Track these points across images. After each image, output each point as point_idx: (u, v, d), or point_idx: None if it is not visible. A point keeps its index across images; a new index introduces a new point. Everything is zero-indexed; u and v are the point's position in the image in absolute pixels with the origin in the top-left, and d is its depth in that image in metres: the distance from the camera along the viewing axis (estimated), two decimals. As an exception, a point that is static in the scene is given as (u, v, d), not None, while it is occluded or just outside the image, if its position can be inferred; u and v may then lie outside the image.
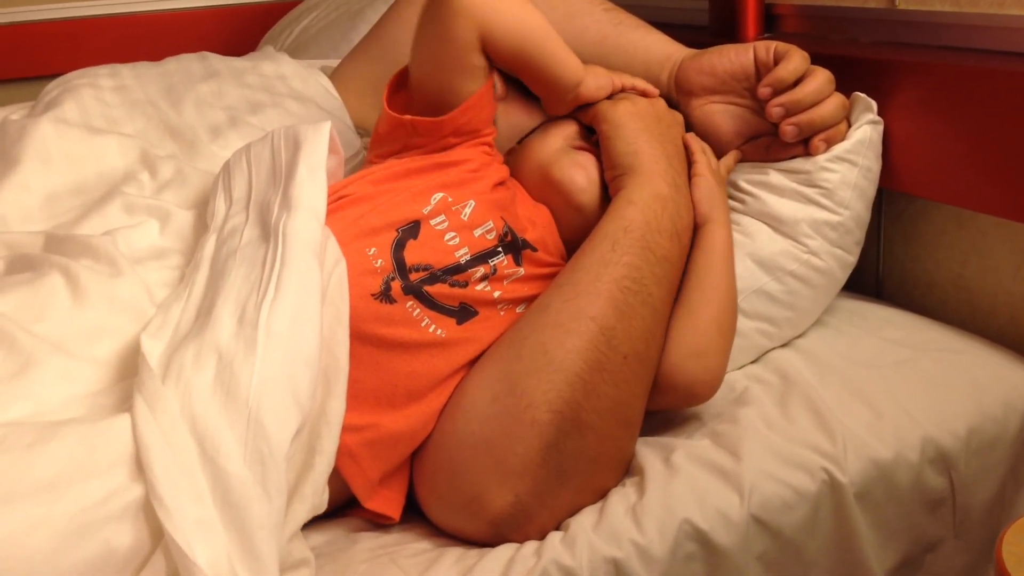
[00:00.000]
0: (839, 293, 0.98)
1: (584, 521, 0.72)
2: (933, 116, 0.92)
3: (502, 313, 0.80)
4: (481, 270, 0.79)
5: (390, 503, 0.75)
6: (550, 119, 0.91)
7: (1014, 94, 0.85)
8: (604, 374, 0.73)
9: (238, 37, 1.87)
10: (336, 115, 1.04)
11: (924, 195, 0.98)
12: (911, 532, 0.81)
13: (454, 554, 0.71)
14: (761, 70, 0.90)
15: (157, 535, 0.60)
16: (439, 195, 0.80)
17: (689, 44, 0.97)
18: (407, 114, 0.84)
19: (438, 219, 0.79)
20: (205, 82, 1.05)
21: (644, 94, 0.91)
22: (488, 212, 0.81)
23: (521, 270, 0.82)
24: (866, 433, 0.80)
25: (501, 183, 0.85)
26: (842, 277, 0.95)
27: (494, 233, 0.81)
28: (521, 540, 0.72)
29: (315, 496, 0.68)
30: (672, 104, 0.95)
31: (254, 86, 1.06)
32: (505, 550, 0.71)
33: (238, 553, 0.59)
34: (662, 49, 0.96)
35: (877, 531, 0.79)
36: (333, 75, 1.13)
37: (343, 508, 0.77)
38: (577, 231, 0.84)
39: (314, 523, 0.76)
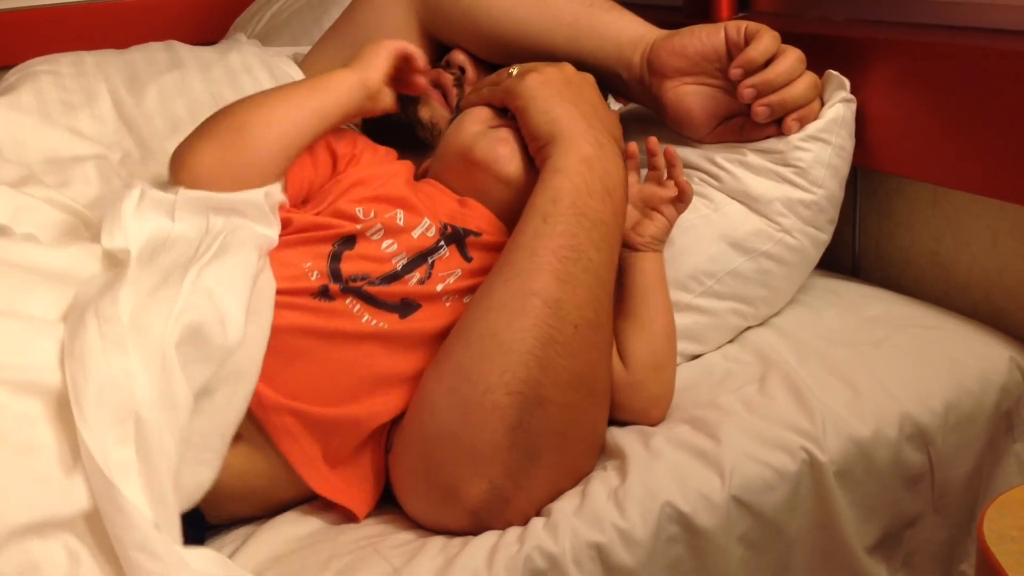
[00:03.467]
0: (816, 271, 0.98)
1: (566, 506, 0.72)
2: (906, 93, 0.92)
3: (448, 304, 0.80)
4: (417, 275, 0.79)
5: (353, 500, 0.75)
6: (463, 111, 0.90)
7: (986, 70, 0.85)
8: (557, 347, 0.72)
9: (208, 23, 1.85)
10: None
11: (898, 172, 0.99)
12: (891, 508, 0.82)
13: (437, 543, 0.71)
14: (732, 50, 0.90)
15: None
16: (361, 208, 0.80)
17: (663, 24, 0.97)
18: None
19: (373, 229, 0.80)
20: (169, 72, 1.04)
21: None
22: (421, 213, 0.82)
23: (467, 260, 0.82)
24: (845, 411, 0.80)
25: (412, 177, 0.86)
26: (815, 255, 0.95)
27: (433, 229, 0.81)
28: (502, 526, 0.72)
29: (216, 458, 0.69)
30: (646, 87, 0.94)
31: (219, 80, 1.04)
32: (488, 537, 0.71)
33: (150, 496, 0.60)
34: (634, 30, 0.96)
35: (857, 508, 0.79)
36: (304, 61, 1.12)
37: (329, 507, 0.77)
38: (511, 209, 0.83)
39: (296, 515, 0.76)
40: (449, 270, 0.81)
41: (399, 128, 0.99)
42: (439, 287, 0.79)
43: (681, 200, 0.86)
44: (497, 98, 0.88)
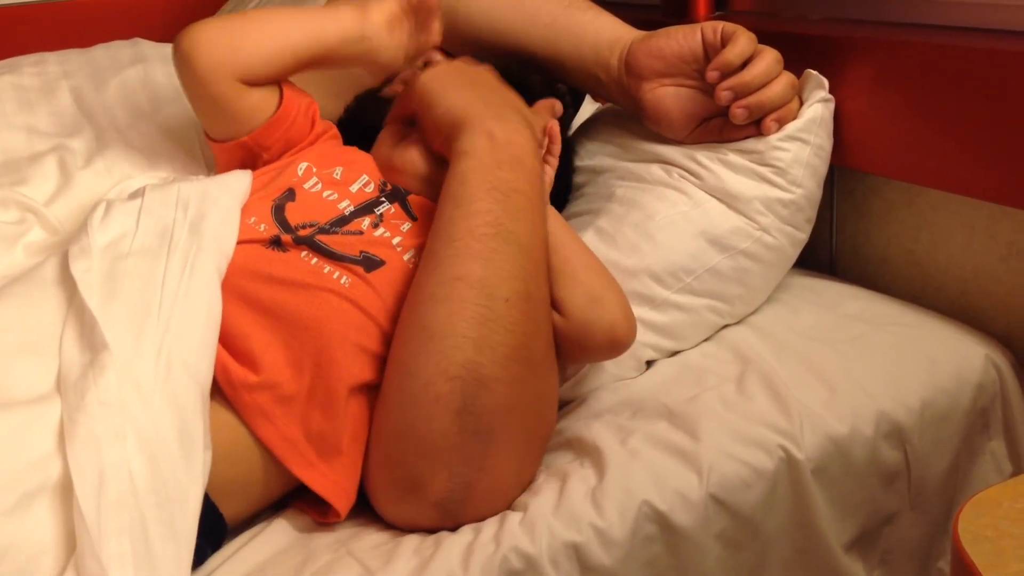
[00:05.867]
0: (794, 269, 0.98)
1: (543, 505, 0.72)
2: (882, 92, 0.92)
3: (409, 263, 0.79)
4: (367, 220, 0.80)
5: (339, 491, 0.74)
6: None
7: (962, 69, 0.85)
8: (490, 324, 0.71)
9: (185, 20, 1.83)
10: None
11: (875, 171, 0.99)
12: (868, 506, 0.82)
13: (411, 543, 0.70)
14: (709, 51, 0.90)
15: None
16: (304, 164, 0.83)
17: (641, 23, 0.97)
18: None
19: (310, 182, 0.81)
20: (132, 67, 1.04)
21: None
22: (359, 170, 0.83)
23: (413, 218, 0.82)
24: (822, 409, 0.80)
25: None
26: (793, 254, 0.95)
27: (372, 185, 0.83)
28: (472, 516, 0.72)
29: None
30: (624, 88, 0.94)
31: None
32: (463, 536, 0.70)
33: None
34: (612, 32, 0.96)
35: (834, 506, 0.79)
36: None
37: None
38: None
39: (265, 524, 0.75)
40: (399, 221, 0.81)
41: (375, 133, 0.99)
42: (396, 239, 0.79)
43: (552, 145, 0.86)
44: (400, 109, 0.88)
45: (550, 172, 0.87)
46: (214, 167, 0.95)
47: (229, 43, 0.82)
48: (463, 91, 0.82)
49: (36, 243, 0.84)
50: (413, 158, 0.85)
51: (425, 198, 0.85)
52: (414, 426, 0.71)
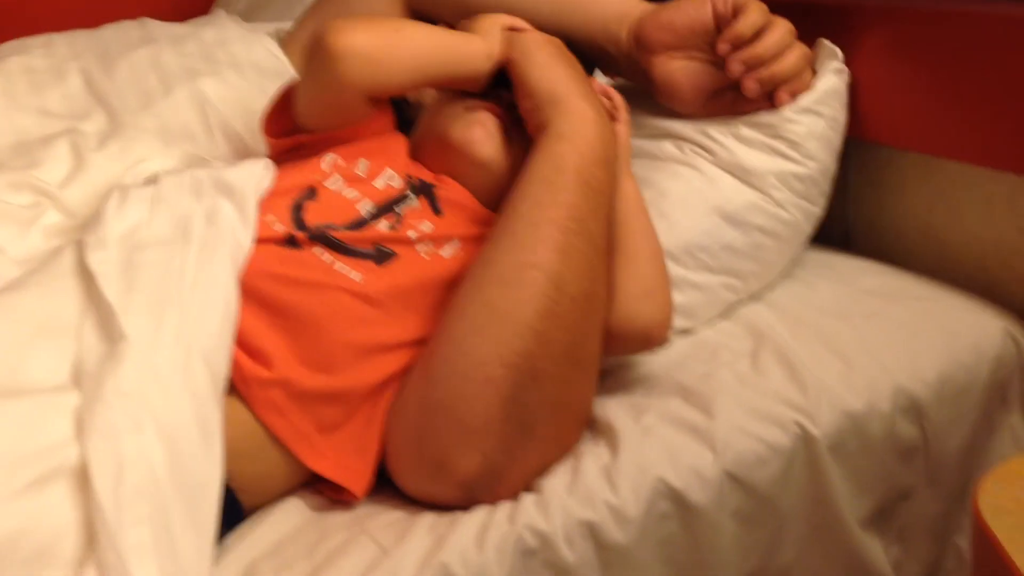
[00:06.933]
0: (808, 244, 0.97)
1: (557, 483, 0.72)
2: (897, 62, 0.91)
3: (426, 256, 0.79)
4: (384, 222, 0.79)
5: (350, 474, 0.74)
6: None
7: (978, 37, 0.84)
8: (555, 319, 0.71)
9: (189, 1, 1.82)
10: (281, 77, 1.02)
11: (891, 143, 0.98)
12: (885, 482, 0.81)
13: (426, 521, 0.70)
14: (720, 23, 0.89)
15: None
16: (329, 157, 0.81)
17: (649, -4, 0.96)
18: (291, 134, 0.84)
19: (332, 179, 0.80)
20: (142, 47, 1.03)
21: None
22: (384, 163, 0.82)
23: (438, 213, 0.81)
24: (838, 385, 0.79)
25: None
26: (808, 229, 0.94)
27: (398, 179, 0.81)
28: (492, 500, 0.71)
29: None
30: (634, 62, 0.93)
31: (192, 54, 1.03)
32: (477, 515, 0.70)
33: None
34: (620, 6, 0.94)
35: (851, 482, 0.79)
36: (287, 38, 1.11)
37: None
38: (490, 192, 0.83)
39: (293, 501, 0.75)
40: (419, 219, 0.80)
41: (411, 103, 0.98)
42: (411, 233, 0.79)
43: (615, 110, 0.86)
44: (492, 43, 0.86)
45: (625, 131, 0.86)
46: (229, 143, 0.94)
47: (379, 59, 0.80)
48: (567, 67, 0.82)
49: (52, 226, 0.84)
50: (478, 136, 0.84)
51: (459, 185, 0.84)
52: (457, 403, 0.70)
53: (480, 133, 0.84)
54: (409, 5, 1.04)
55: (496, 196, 0.80)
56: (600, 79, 1.02)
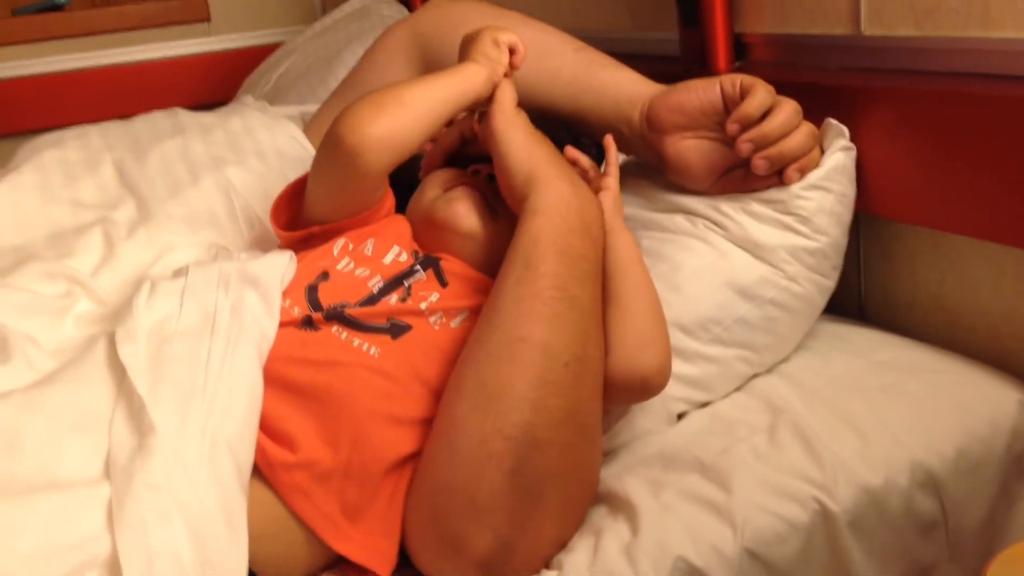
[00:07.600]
0: (822, 316, 0.98)
1: (578, 560, 0.72)
2: (904, 140, 0.93)
3: (436, 327, 0.81)
4: (395, 296, 0.81)
5: (376, 556, 0.74)
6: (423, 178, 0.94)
7: (982, 116, 0.86)
8: (549, 387, 0.72)
9: (218, 84, 1.88)
10: (303, 162, 1.05)
11: (899, 218, 0.99)
12: (905, 557, 0.81)
13: (449, 604, 0.71)
14: (729, 104, 0.91)
15: None
16: (340, 242, 0.85)
17: (661, 76, 0.98)
18: (300, 226, 0.88)
19: (343, 262, 0.83)
20: (172, 138, 1.07)
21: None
22: (390, 241, 0.85)
23: (444, 284, 0.84)
24: (855, 459, 0.80)
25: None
26: (821, 302, 0.96)
27: (405, 255, 0.85)
28: None
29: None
30: (647, 142, 0.95)
31: (219, 143, 1.07)
32: (500, 597, 0.70)
33: None
34: (632, 88, 0.97)
35: (871, 558, 0.79)
36: (311, 120, 1.14)
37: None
38: (482, 261, 0.87)
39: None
40: (427, 291, 0.82)
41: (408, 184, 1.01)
42: (423, 304, 0.81)
43: (591, 169, 0.89)
44: (467, 128, 0.91)
45: (613, 184, 0.89)
46: (252, 229, 0.97)
47: (394, 138, 0.82)
48: (541, 144, 0.85)
49: (85, 314, 0.86)
50: (460, 211, 0.87)
51: (458, 259, 0.86)
52: (463, 483, 0.71)
53: (461, 208, 0.88)
54: (424, 68, 1.07)
55: (495, 263, 0.82)
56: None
